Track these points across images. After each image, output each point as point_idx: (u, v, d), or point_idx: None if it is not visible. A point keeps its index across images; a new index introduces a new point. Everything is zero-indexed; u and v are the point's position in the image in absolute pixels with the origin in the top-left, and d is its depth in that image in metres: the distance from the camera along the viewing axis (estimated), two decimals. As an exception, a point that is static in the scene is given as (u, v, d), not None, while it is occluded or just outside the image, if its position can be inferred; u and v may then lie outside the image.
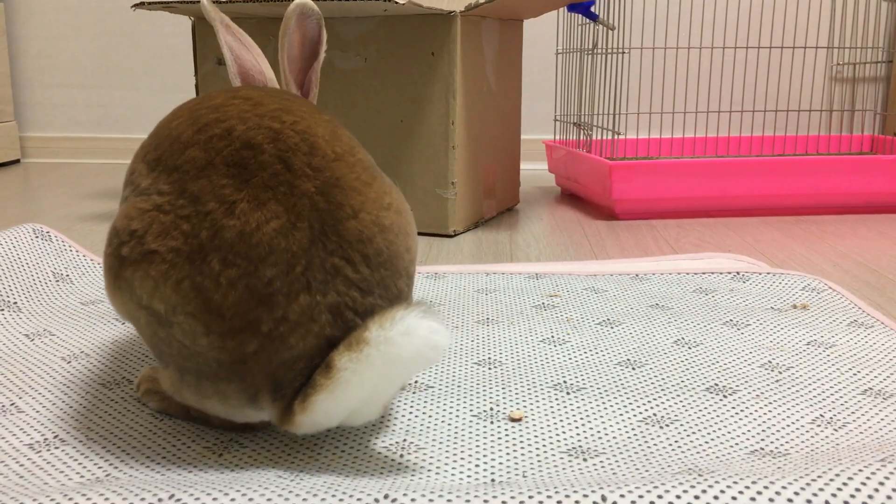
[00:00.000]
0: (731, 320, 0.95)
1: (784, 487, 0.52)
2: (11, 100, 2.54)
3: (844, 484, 0.53)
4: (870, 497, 0.51)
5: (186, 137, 0.61)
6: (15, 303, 0.98)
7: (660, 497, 0.52)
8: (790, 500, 0.51)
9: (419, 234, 1.52)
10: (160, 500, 0.51)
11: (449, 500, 0.51)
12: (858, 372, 0.80)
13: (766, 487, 0.52)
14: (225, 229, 0.56)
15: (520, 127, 1.83)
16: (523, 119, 1.84)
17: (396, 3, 1.33)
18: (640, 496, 0.52)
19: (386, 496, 0.52)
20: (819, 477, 0.54)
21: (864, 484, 0.53)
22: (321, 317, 0.57)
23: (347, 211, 0.59)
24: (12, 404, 0.72)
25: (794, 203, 1.72)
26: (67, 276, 1.11)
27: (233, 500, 0.51)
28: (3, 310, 0.96)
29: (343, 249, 0.58)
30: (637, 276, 1.15)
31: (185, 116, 0.64)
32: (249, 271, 0.56)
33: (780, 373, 0.80)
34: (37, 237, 1.14)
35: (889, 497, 0.51)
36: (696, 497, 0.52)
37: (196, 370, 0.59)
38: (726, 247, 1.43)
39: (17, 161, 2.59)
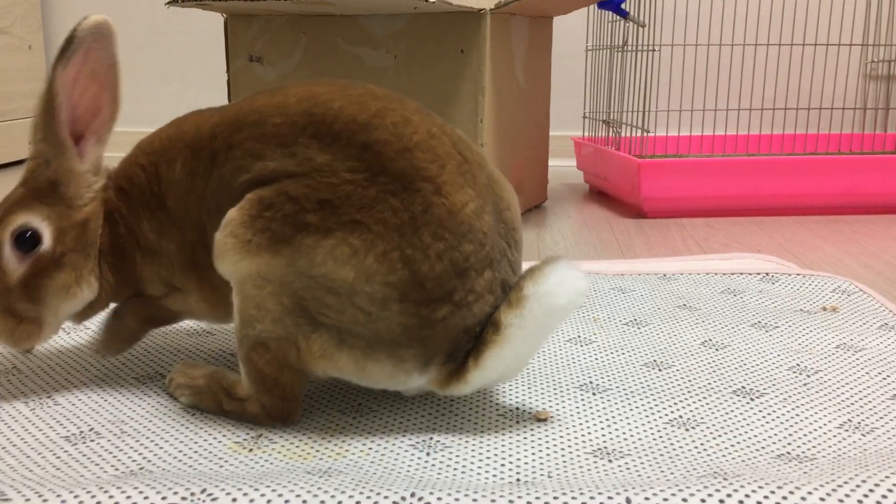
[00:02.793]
0: (759, 322, 0.95)
1: (810, 493, 0.52)
2: (47, 94, 2.58)
3: (871, 490, 0.53)
4: (896, 504, 0.51)
5: (363, 120, 0.64)
6: (51, 296, 1.00)
7: (684, 500, 0.52)
8: (822, 500, 0.51)
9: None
10: (192, 493, 0.52)
11: (475, 500, 0.52)
12: (888, 376, 0.79)
13: (791, 493, 0.52)
14: (435, 206, 0.61)
15: (548, 124, 1.83)
16: (552, 115, 1.84)
17: (426, 0, 1.34)
18: (665, 499, 0.52)
19: (412, 494, 0.53)
20: (845, 483, 0.54)
21: (890, 491, 0.53)
22: (497, 289, 0.64)
23: (505, 203, 0.68)
24: (49, 397, 0.74)
25: (827, 202, 1.70)
26: (102, 270, 1.13)
27: (263, 495, 0.52)
28: (39, 303, 0.98)
29: (508, 235, 0.67)
30: (665, 276, 1.15)
31: (342, 100, 0.65)
32: (454, 245, 0.62)
33: (809, 376, 0.79)
34: (72, 231, 1.16)
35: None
36: (721, 501, 0.52)
37: (371, 336, 0.62)
38: (756, 246, 1.42)
39: (53, 154, 2.64)
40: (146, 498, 0.52)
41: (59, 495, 0.52)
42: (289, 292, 0.62)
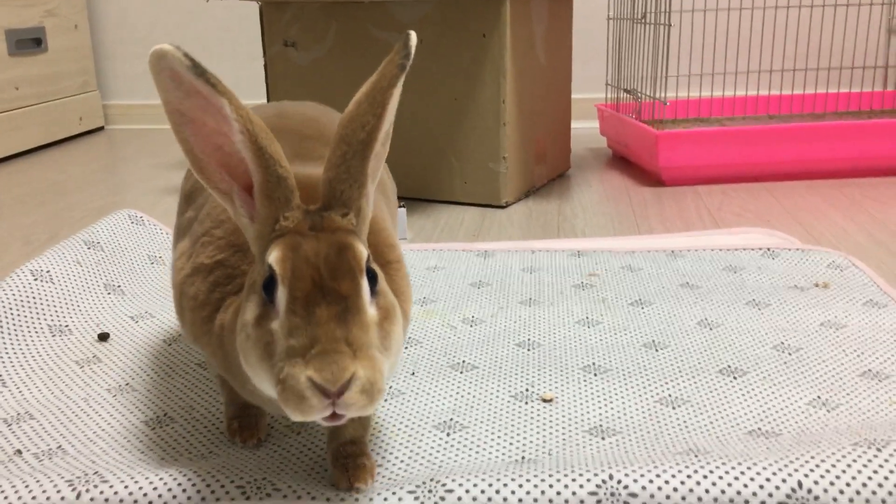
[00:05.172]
0: (753, 300, 1.04)
1: (764, 468, 0.63)
2: (94, 71, 2.70)
3: (817, 466, 0.63)
4: (837, 478, 0.61)
5: None
6: (119, 286, 1.13)
7: (657, 476, 0.63)
8: (768, 480, 0.61)
9: (474, 205, 1.63)
10: (255, 479, 0.64)
11: (483, 480, 0.63)
12: (862, 353, 0.89)
13: (748, 468, 0.63)
14: None
15: (570, 95, 1.90)
16: (576, 79, 1.92)
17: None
18: (641, 475, 0.63)
19: (433, 479, 0.64)
20: (797, 458, 0.64)
21: (833, 466, 0.62)
22: None
23: None
24: (126, 384, 0.87)
25: (839, 167, 1.76)
26: (160, 257, 1.25)
27: (287, 486, 0.64)
28: (110, 293, 1.10)
29: None
30: (672, 252, 1.24)
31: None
32: None
33: (790, 354, 0.89)
34: (132, 223, 1.29)
35: (854, 478, 0.61)
36: (689, 476, 0.62)
37: None
38: (766, 214, 1.50)
39: (102, 128, 2.77)
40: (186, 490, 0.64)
41: (147, 478, 0.64)
42: None
